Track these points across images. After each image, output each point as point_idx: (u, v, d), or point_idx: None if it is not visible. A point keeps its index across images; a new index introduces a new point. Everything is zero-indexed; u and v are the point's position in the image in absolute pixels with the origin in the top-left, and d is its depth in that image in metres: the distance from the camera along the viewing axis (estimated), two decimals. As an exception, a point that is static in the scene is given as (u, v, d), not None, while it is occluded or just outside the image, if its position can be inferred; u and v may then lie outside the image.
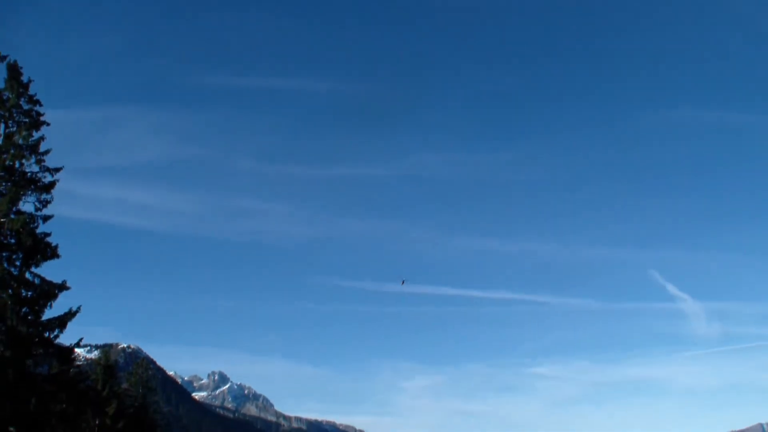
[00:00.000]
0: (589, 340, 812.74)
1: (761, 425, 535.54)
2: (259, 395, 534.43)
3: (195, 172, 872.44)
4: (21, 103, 28.64)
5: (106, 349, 73.25)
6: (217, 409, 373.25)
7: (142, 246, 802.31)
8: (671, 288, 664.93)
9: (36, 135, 28.61)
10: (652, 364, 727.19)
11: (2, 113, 28.33)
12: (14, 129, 28.41)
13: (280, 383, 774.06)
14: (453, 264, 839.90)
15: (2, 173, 27.69)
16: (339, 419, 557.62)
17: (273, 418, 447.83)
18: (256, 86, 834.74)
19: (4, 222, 26.82)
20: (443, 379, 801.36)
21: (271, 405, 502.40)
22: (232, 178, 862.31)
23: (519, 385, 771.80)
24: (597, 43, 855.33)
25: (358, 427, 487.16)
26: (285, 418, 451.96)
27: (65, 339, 28.05)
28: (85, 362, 77.17)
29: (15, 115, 28.54)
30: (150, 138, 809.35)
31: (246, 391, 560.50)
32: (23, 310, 26.76)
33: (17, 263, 27.18)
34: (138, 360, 64.57)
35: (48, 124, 28.92)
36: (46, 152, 28.68)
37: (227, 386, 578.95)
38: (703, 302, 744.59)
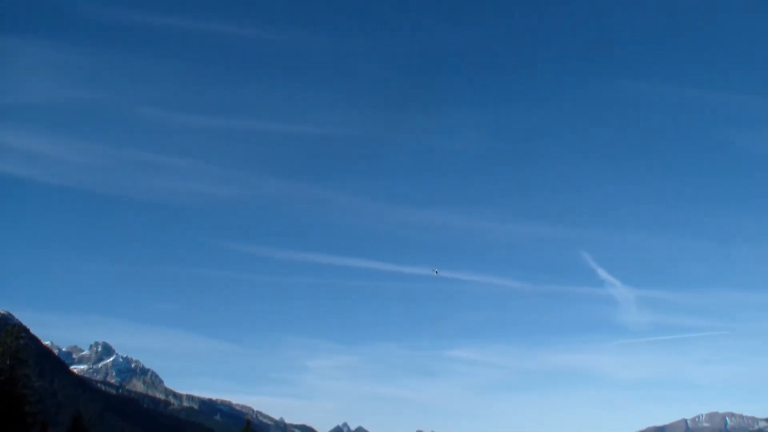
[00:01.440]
0: (515, 324, 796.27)
1: (685, 421, 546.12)
2: (147, 370, 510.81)
3: (89, 118, 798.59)
4: None
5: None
6: (99, 384, 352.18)
7: (20, 197, 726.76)
8: (602, 272, 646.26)
9: None
10: (579, 351, 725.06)
11: None
12: None
13: (172, 357, 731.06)
14: (373, 235, 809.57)
15: None
16: (236, 399, 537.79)
17: (162, 396, 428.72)
18: (163, 25, 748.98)
19: None
20: (355, 360, 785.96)
21: (161, 381, 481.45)
22: (131, 128, 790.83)
23: (437, 368, 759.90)
24: (532, 17, 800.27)
25: (256, 408, 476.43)
26: (175, 396, 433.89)
27: None
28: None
29: None
30: (39, 75, 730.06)
31: (133, 365, 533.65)
32: None
33: None
34: (8, 327, 56.23)
35: None
36: None
37: (111, 359, 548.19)
38: (635, 289, 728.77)
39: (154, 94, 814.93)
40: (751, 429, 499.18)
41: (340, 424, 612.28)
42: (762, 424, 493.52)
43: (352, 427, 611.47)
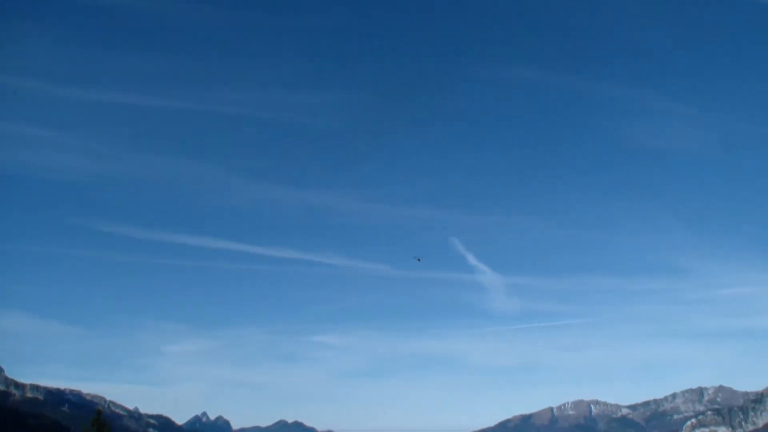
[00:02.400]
0: (382, 309, 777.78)
1: (551, 409, 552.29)
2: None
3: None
4: None
5: None
6: None
7: None
8: (471, 258, 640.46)
9: None
10: (447, 338, 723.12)
11: None
12: None
13: (15, 343, 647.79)
14: (234, 214, 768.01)
15: None
16: (87, 387, 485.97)
17: (1, 386, 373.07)
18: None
19: None
20: (214, 345, 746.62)
21: (1, 371, 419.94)
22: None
23: (301, 354, 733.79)
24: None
25: (108, 397, 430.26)
26: (17, 386, 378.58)
27: None
28: None
29: None
30: None
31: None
32: None
33: None
34: None
35: None
36: None
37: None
38: (504, 276, 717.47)
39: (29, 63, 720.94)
40: (614, 416, 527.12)
41: (199, 413, 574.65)
42: (625, 411, 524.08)
43: (212, 417, 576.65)
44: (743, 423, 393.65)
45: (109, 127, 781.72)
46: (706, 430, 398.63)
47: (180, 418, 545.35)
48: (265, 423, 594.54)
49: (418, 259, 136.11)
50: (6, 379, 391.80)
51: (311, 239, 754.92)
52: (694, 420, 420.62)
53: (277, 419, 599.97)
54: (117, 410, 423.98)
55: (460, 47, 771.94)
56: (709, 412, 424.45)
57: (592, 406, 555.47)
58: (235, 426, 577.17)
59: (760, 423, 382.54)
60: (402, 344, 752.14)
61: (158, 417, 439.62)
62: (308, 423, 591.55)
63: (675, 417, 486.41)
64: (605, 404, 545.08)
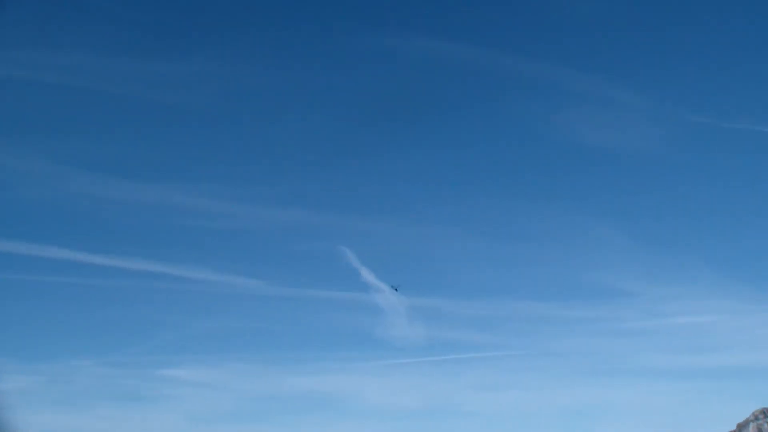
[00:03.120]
0: (253, 336, 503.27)
1: None
2: None
3: None
4: None
5: None
6: None
7: None
8: (366, 273, 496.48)
9: None
10: (333, 372, 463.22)
11: None
12: None
13: None
14: (69, 214, 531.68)
15: None
16: None
17: None
18: None
19: None
20: (35, 381, 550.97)
21: None
22: None
23: (147, 392, 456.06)
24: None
25: None
26: None
27: None
28: None
29: None
30: None
31: None
32: None
33: None
34: None
35: None
36: None
37: None
38: (406, 297, 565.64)
39: None
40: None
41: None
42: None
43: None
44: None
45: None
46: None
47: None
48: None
49: (396, 288, 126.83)
50: None
51: (162, 246, 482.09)
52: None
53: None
54: None
55: (342, 15, 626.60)
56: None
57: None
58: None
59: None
60: (278, 380, 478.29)
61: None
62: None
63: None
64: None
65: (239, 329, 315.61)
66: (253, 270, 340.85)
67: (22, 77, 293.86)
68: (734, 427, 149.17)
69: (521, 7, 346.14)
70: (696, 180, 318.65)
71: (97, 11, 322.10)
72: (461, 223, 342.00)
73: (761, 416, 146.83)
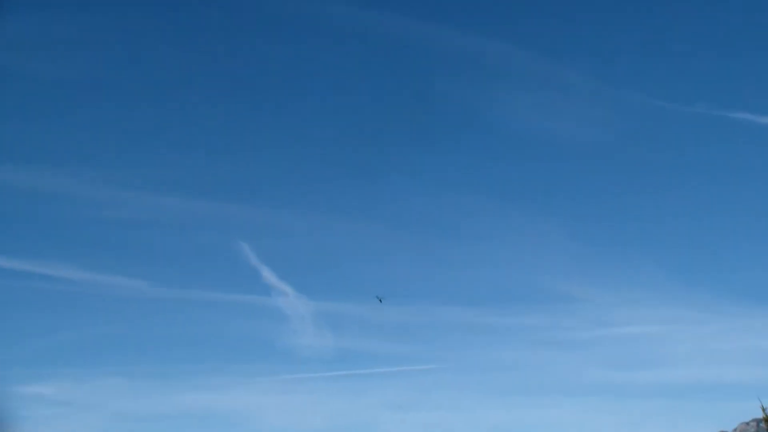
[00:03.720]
0: (133, 345, 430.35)
1: None
2: None
3: None
4: None
5: None
6: None
7: None
8: (268, 273, 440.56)
9: None
10: (230, 387, 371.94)
11: None
12: None
13: None
14: None
15: None
16: None
17: None
18: None
19: None
20: None
21: None
22: None
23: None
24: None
25: None
26: None
27: None
28: None
29: None
30: None
31: None
32: None
33: None
34: None
35: None
36: None
37: None
38: (313, 301, 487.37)
39: None
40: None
41: None
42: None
43: None
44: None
45: None
46: None
47: None
48: None
49: (380, 300, 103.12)
50: None
51: (21, 239, 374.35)
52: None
53: None
54: None
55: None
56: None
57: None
58: None
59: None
60: (162, 398, 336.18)
61: None
62: None
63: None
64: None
65: (116, 338, 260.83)
66: (133, 268, 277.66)
67: None
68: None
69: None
70: (651, 173, 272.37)
71: None
72: (379, 218, 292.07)
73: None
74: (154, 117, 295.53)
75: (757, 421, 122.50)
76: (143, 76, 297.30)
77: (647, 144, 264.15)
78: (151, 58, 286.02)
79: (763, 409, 32.26)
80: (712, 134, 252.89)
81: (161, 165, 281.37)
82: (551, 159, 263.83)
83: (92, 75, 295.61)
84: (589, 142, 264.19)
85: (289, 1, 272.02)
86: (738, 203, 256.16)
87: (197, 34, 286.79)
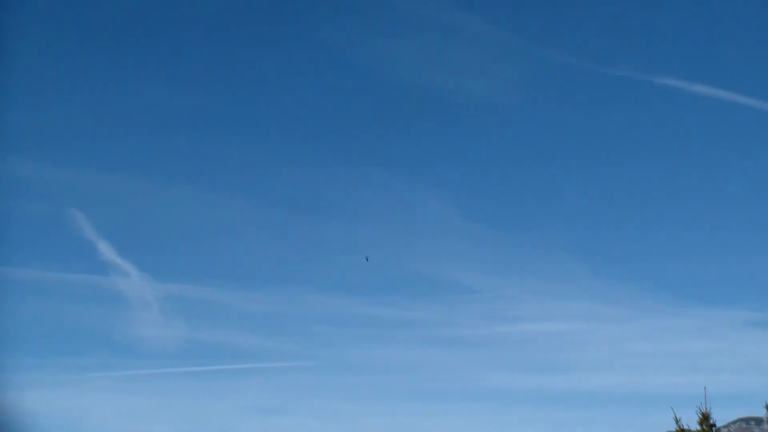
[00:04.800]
0: None
1: None
2: None
3: None
4: None
5: None
6: None
7: None
8: (106, 248, 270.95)
9: None
10: (57, 386, 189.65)
11: None
12: None
13: None
14: None
15: None
16: None
17: None
18: None
19: None
20: None
21: None
22: None
23: None
24: None
25: None
26: None
27: None
28: None
29: None
30: None
31: None
32: None
33: None
34: None
35: None
36: None
37: None
38: (161, 283, 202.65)
39: None
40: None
41: None
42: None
43: None
44: None
45: None
46: None
47: None
48: None
49: (366, 258, 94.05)
50: None
51: None
52: None
53: None
54: None
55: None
56: None
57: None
58: None
59: None
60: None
61: None
62: None
63: None
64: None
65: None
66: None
67: None
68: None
69: None
70: (564, 143, 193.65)
71: None
72: (240, 187, 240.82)
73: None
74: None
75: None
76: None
77: (561, 107, 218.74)
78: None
79: (677, 420, 28.70)
80: (636, 100, 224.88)
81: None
82: (443, 119, 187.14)
83: None
84: (491, 102, 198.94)
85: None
86: (669, 182, 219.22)
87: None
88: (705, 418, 28.28)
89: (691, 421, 28.79)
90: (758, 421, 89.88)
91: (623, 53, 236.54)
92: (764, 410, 32.86)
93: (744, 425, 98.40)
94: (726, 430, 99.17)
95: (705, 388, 29.07)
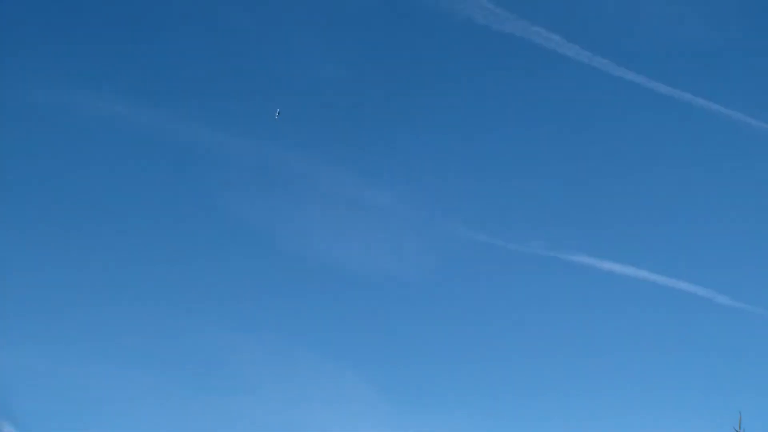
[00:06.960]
0: None
1: None
2: None
3: None
4: None
5: None
6: None
7: None
8: None
9: None
10: None
11: None
12: None
13: None
14: None
15: None
16: None
17: None
18: None
19: None
20: None
21: None
22: None
23: None
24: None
25: None
26: None
27: None
28: None
29: None
30: None
31: None
32: None
33: None
34: None
35: None
36: None
37: None
38: None
39: None
40: None
41: None
42: None
43: None
44: None
45: None
46: None
47: None
48: None
49: (278, 113, 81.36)
50: None
51: None
52: None
53: None
54: None
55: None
56: None
57: None
58: None
59: None
60: None
61: None
62: None
63: None
64: None
65: None
66: None
67: None
68: None
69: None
70: (471, 318, 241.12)
71: None
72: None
73: None
74: None
75: None
76: None
77: (469, 283, 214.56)
78: None
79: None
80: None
81: None
82: (349, 294, 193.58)
83: None
84: (396, 276, 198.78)
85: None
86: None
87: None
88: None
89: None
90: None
91: (533, 231, 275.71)
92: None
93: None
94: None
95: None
